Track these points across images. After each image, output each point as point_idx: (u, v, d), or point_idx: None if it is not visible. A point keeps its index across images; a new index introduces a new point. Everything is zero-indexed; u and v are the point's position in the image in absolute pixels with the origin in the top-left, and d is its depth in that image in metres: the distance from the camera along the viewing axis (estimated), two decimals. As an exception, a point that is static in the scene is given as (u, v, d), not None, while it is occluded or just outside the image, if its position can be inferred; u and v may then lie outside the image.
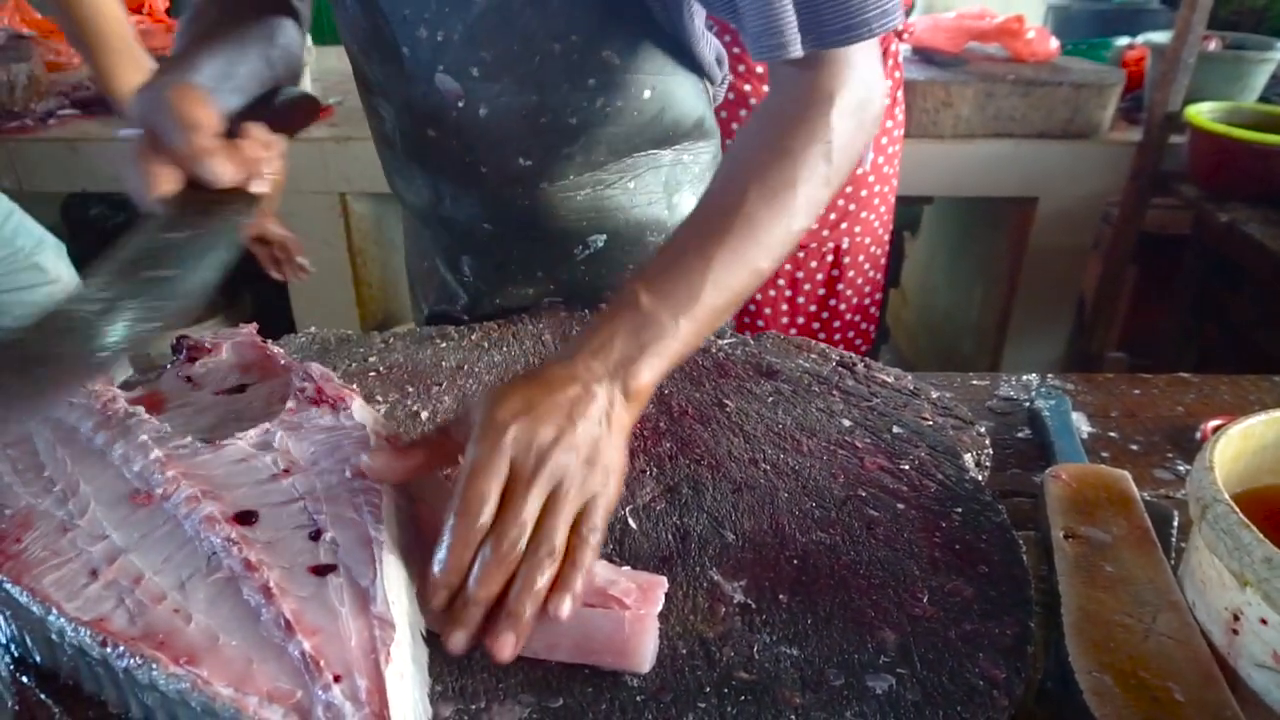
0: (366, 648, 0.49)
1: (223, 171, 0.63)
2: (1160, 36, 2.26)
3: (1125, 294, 2.36)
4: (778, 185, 0.67)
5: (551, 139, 0.88)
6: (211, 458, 0.63)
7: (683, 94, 0.92)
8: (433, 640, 0.54)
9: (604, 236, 0.97)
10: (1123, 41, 2.60)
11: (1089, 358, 2.37)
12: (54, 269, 1.58)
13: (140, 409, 0.68)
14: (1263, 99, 2.29)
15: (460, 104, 0.86)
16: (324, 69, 2.72)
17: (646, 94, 0.88)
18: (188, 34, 0.79)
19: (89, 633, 0.50)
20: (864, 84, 0.73)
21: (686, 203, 1.00)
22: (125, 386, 0.77)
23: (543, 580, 0.51)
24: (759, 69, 1.69)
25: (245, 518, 0.58)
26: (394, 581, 0.54)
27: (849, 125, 0.71)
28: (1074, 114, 2.14)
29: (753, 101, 1.71)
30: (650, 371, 0.61)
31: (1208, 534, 0.54)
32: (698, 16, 0.86)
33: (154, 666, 0.48)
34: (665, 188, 0.97)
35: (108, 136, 2.11)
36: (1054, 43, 2.32)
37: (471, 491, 0.52)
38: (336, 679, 0.47)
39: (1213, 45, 2.31)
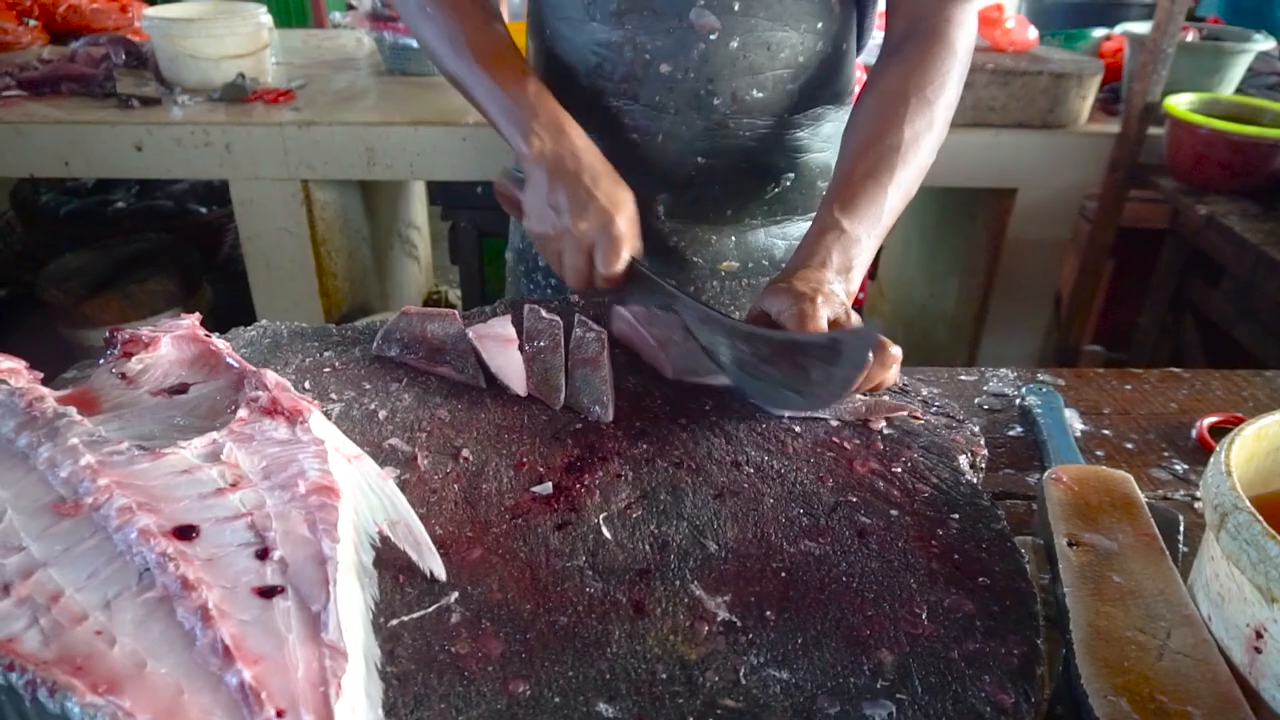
0: (315, 679, 0.44)
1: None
2: (1139, 27, 2.24)
3: (1102, 287, 2.35)
4: (921, 128, 0.90)
5: (782, 73, 1.00)
6: (150, 467, 0.57)
7: (854, 55, 1.07)
8: (387, 674, 0.49)
9: (792, 175, 1.08)
10: (1100, 32, 2.58)
11: (1065, 351, 2.35)
12: None
13: (71, 409, 0.62)
14: (1239, 91, 2.28)
15: (713, 36, 0.96)
16: (287, 50, 2.65)
17: (844, 46, 1.04)
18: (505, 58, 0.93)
19: (-7, 655, 0.44)
20: (974, 29, 0.97)
21: None
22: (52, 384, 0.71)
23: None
24: None
25: (185, 533, 0.52)
26: (348, 606, 0.49)
27: (962, 70, 0.94)
28: (1054, 104, 2.11)
29: None
30: (857, 280, 0.84)
31: (1228, 544, 0.50)
32: None
33: (68, 695, 0.42)
34: (832, 140, 1.09)
35: (56, 119, 2.01)
36: (1033, 32, 2.29)
37: (814, 324, 0.74)
38: (279, 714, 0.42)
39: (1190, 36, 2.29)
